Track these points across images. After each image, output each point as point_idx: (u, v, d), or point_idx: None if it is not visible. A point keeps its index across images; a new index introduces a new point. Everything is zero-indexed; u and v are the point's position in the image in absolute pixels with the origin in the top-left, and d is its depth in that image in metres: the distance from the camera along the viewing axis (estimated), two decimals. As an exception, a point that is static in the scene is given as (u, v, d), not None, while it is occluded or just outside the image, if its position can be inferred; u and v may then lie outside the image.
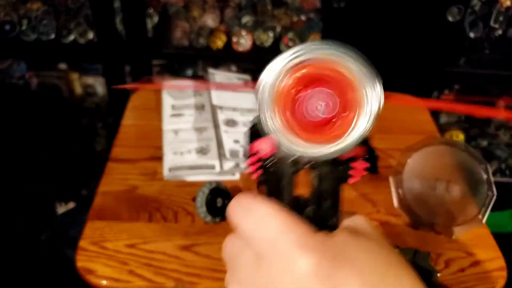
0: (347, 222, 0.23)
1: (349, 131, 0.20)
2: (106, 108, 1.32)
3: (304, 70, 0.20)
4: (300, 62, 0.20)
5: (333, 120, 0.20)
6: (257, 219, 0.21)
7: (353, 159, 0.22)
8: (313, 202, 0.23)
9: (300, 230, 0.21)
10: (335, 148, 0.20)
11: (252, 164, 0.23)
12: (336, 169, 0.22)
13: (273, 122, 0.20)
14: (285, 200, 0.23)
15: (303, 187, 0.24)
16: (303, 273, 0.19)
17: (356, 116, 0.20)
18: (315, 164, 0.22)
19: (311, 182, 0.23)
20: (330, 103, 0.20)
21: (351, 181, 0.23)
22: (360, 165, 0.23)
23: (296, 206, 0.23)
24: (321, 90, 0.20)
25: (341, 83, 0.19)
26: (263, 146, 0.23)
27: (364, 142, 0.21)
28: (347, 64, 0.19)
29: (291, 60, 0.20)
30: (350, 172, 0.23)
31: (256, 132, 0.23)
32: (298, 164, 0.23)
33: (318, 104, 0.20)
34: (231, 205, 0.23)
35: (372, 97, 0.19)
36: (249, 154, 0.23)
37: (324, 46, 0.19)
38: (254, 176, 0.23)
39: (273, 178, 0.23)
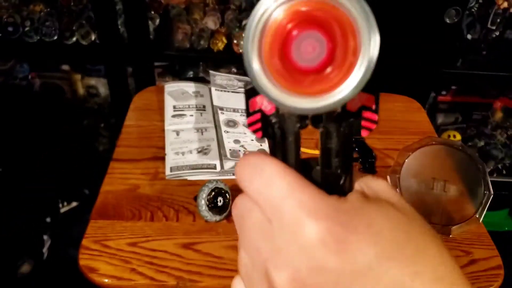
0: (364, 184, 0.21)
1: (347, 80, 0.17)
2: (108, 109, 1.32)
3: (299, 6, 0.17)
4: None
5: (329, 67, 0.18)
6: (265, 179, 0.19)
7: (362, 108, 0.20)
8: (321, 162, 0.21)
9: (309, 192, 0.18)
10: (331, 100, 0.18)
11: (254, 122, 0.21)
12: (344, 122, 0.20)
13: (258, 67, 0.18)
14: (291, 159, 0.21)
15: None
16: (310, 241, 0.17)
17: (354, 62, 0.17)
18: (321, 118, 0.20)
19: (319, 140, 0.21)
20: (325, 47, 0.17)
21: (363, 134, 0.20)
22: (371, 116, 0.20)
23: (304, 167, 0.21)
24: (316, 31, 0.17)
25: (339, 24, 0.17)
26: (265, 102, 0.20)
27: (371, 89, 0.19)
28: (348, 4, 0.17)
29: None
30: (362, 123, 0.20)
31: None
32: (305, 119, 0.20)
33: (312, 47, 0.17)
34: (239, 164, 0.21)
35: (371, 42, 0.17)
36: (250, 111, 0.21)
37: None
38: (258, 135, 0.21)
39: (277, 136, 0.21)
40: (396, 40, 1.03)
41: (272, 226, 0.19)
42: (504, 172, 1.28)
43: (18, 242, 1.12)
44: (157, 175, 0.65)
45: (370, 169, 0.68)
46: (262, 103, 0.20)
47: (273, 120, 0.21)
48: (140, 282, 0.51)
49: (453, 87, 1.24)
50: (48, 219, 1.18)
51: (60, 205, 1.26)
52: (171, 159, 0.66)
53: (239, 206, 0.21)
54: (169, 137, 0.70)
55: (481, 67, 1.10)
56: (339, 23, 0.17)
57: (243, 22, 1.13)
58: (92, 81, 1.30)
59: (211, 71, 0.85)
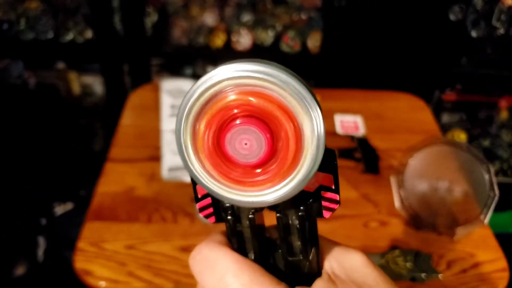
0: (335, 262, 0.19)
1: (293, 173, 0.16)
2: (104, 108, 1.31)
3: (219, 103, 0.16)
4: (215, 94, 0.16)
5: (272, 160, 0.16)
6: (217, 277, 0.19)
7: (321, 188, 0.18)
8: (282, 250, 0.20)
9: None
10: (278, 194, 0.16)
11: (205, 207, 0.20)
12: (303, 204, 0.18)
13: (197, 168, 0.17)
14: (248, 245, 0.20)
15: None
16: None
17: (299, 152, 0.16)
18: (277, 208, 0.19)
19: (276, 226, 0.19)
20: (263, 142, 0.16)
21: (325, 215, 0.19)
22: (331, 195, 0.18)
23: (267, 249, 0.20)
24: (252, 126, 0.16)
25: (273, 116, 0.15)
26: None
27: (328, 169, 0.17)
28: (280, 92, 0.15)
29: (201, 93, 0.16)
30: (323, 203, 0.19)
31: None
32: (256, 217, 0.19)
33: (244, 144, 0.16)
34: (191, 256, 0.20)
35: (313, 123, 0.15)
36: (199, 197, 0.19)
37: (247, 69, 0.15)
38: (211, 220, 0.20)
39: (231, 221, 0.20)
40: (400, 38, 1.03)
41: None
42: (509, 172, 1.27)
43: (13, 244, 1.11)
44: (154, 176, 0.64)
45: (373, 169, 0.67)
46: None
47: (225, 205, 0.19)
48: (137, 285, 0.50)
49: (458, 86, 1.23)
50: (43, 221, 1.17)
51: (55, 207, 1.24)
52: (168, 160, 0.65)
53: None
54: (166, 137, 0.69)
55: (486, 66, 1.09)
56: (276, 111, 0.15)
57: (243, 18, 1.12)
58: (88, 80, 1.28)
59: (209, 69, 0.83)
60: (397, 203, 0.59)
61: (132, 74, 1.15)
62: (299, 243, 0.19)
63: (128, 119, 0.74)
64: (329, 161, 0.17)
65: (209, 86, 0.16)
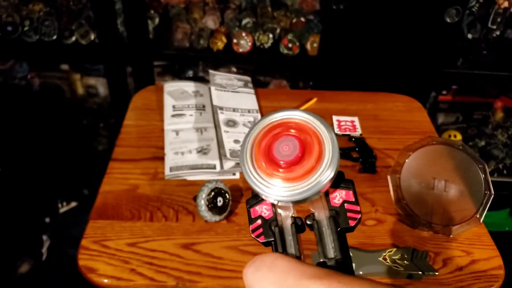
0: None
1: (315, 172, 0.23)
2: (108, 109, 1.32)
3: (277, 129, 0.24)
4: (279, 123, 0.25)
5: (301, 160, 0.23)
6: (279, 276, 0.21)
7: (345, 202, 0.24)
8: (320, 254, 0.24)
9: (308, 265, 0.21)
10: (309, 183, 0.22)
11: (256, 228, 0.25)
12: (331, 217, 0.24)
13: (252, 170, 0.24)
14: (295, 254, 0.24)
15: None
16: None
17: (318, 153, 0.23)
18: (312, 218, 0.24)
19: (315, 237, 0.24)
20: (297, 145, 0.23)
21: (351, 223, 0.24)
22: (353, 207, 0.24)
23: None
24: (290, 137, 0.24)
25: (308, 140, 0.24)
26: (263, 209, 0.25)
27: (348, 186, 0.24)
28: (319, 130, 0.24)
29: (272, 121, 0.25)
30: (348, 214, 0.24)
31: (255, 195, 0.25)
32: (298, 220, 0.25)
33: (285, 147, 0.23)
34: (247, 266, 0.23)
35: (329, 140, 0.23)
36: (252, 217, 0.25)
37: (301, 114, 0.24)
38: (261, 239, 0.24)
39: (277, 236, 0.24)
40: (396, 39, 1.03)
41: None
42: (504, 172, 1.28)
43: (18, 242, 1.12)
44: (156, 175, 0.65)
45: (370, 169, 0.68)
46: (261, 210, 0.25)
47: (272, 224, 0.25)
48: (139, 283, 0.51)
49: (454, 87, 1.24)
50: (47, 219, 1.18)
51: (60, 205, 1.25)
52: (170, 159, 0.66)
53: None
54: (169, 137, 0.70)
55: (481, 67, 1.10)
56: (306, 131, 0.24)
57: (243, 21, 1.13)
58: (92, 81, 1.29)
59: (210, 71, 0.84)
60: (394, 202, 0.60)
61: (135, 76, 1.16)
62: (332, 244, 0.23)
63: (131, 119, 0.75)
64: (348, 182, 0.24)
65: (269, 123, 0.25)
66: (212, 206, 0.57)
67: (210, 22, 1.13)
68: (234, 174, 0.66)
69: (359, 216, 0.24)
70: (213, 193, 0.57)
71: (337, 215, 0.24)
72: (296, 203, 0.23)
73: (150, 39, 1.11)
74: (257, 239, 0.24)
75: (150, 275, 0.52)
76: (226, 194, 0.59)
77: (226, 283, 0.52)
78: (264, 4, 1.15)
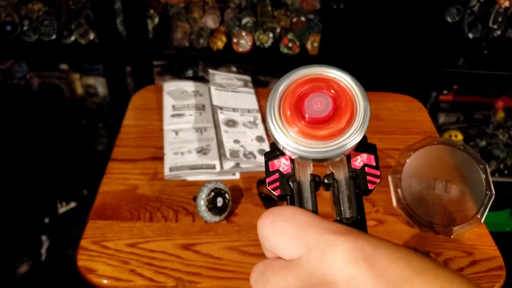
0: None
1: (345, 132, 0.23)
2: (107, 108, 1.32)
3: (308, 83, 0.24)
4: (309, 77, 0.24)
5: (330, 120, 0.23)
6: (286, 218, 0.21)
7: (366, 166, 0.24)
8: (336, 213, 0.24)
9: (329, 221, 0.21)
10: (334, 145, 0.22)
11: (273, 181, 0.25)
12: (351, 178, 0.24)
13: (277, 120, 0.23)
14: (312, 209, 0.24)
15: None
16: (339, 258, 0.19)
17: (349, 117, 0.23)
18: (332, 177, 0.24)
19: (331, 197, 0.24)
20: (330, 103, 0.23)
21: (370, 186, 0.24)
22: (373, 171, 0.24)
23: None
24: (323, 93, 0.23)
25: (340, 92, 0.23)
26: (282, 163, 0.25)
27: (371, 150, 0.25)
28: (350, 84, 0.24)
29: (303, 75, 0.24)
30: (368, 178, 0.24)
31: (274, 150, 0.25)
32: (316, 178, 0.24)
33: (317, 104, 0.23)
34: (262, 218, 0.22)
35: (362, 104, 0.23)
36: (270, 170, 0.25)
37: (332, 70, 0.24)
38: (277, 192, 0.24)
39: (295, 191, 0.24)
40: (397, 39, 1.03)
41: (297, 261, 0.20)
42: (506, 172, 1.28)
43: (17, 242, 1.11)
44: (156, 175, 0.64)
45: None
46: (279, 164, 0.25)
47: (290, 179, 0.24)
48: (139, 283, 0.51)
49: (455, 87, 1.24)
50: (46, 220, 1.18)
51: (59, 206, 1.25)
52: (170, 159, 0.66)
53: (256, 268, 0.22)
54: (168, 137, 0.70)
55: (482, 67, 1.10)
56: (339, 91, 0.23)
57: (243, 21, 1.13)
58: (91, 81, 1.29)
59: (210, 70, 0.84)
60: (394, 202, 0.60)
61: (134, 76, 1.15)
62: (349, 204, 0.24)
63: (130, 119, 0.75)
64: (370, 146, 0.25)
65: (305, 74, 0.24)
66: (212, 206, 0.57)
67: (210, 21, 1.13)
68: (234, 174, 0.66)
69: (378, 180, 0.24)
70: (213, 194, 0.57)
71: (357, 177, 0.24)
72: (316, 161, 0.23)
73: (150, 39, 1.10)
74: (273, 192, 0.24)
75: (149, 276, 0.52)
76: (226, 195, 0.58)
77: (226, 283, 0.51)
78: (264, 3, 1.15)
